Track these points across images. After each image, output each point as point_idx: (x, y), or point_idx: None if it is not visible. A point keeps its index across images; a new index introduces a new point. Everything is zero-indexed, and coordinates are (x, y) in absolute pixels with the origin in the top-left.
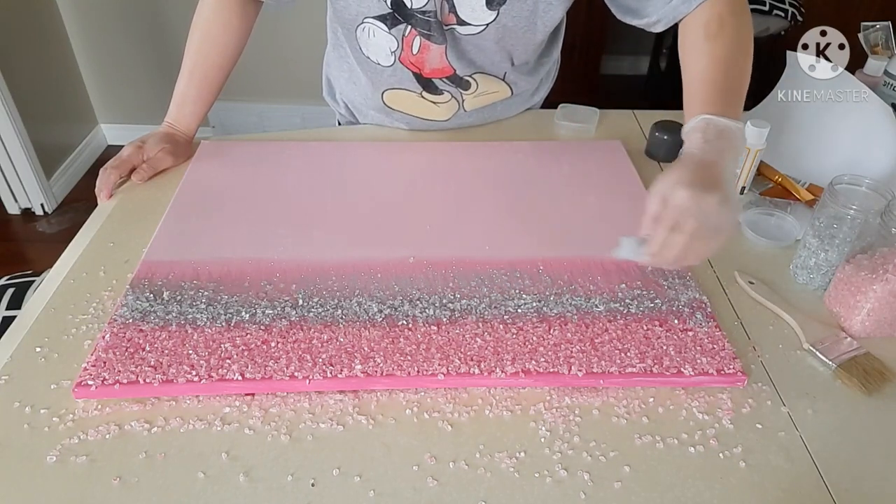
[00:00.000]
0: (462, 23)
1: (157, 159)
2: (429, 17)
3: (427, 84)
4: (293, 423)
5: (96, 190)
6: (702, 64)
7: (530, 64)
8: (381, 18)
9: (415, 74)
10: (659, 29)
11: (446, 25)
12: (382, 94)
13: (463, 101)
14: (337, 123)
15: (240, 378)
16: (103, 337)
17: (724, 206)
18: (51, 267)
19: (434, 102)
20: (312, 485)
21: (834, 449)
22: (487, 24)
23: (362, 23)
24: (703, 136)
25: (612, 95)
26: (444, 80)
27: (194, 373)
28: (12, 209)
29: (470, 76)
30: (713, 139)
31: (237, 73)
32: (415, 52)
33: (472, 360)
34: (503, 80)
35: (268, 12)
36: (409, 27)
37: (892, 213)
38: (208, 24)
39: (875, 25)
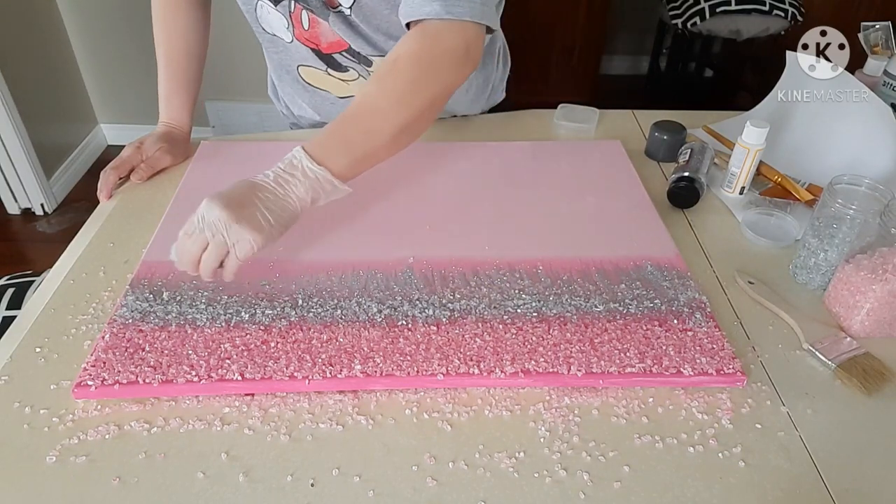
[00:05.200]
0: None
1: (155, 159)
2: None
3: (329, 61)
4: (293, 423)
5: (97, 192)
6: (355, 98)
7: None
8: None
9: (314, 51)
10: None
11: (333, 8)
12: (298, 69)
13: None
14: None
15: (239, 378)
16: (103, 337)
17: (232, 225)
18: (51, 267)
19: (343, 80)
20: (312, 485)
21: (833, 449)
22: (351, 6)
23: (259, 1)
24: (282, 163)
25: (612, 95)
26: (344, 54)
27: (194, 373)
28: (12, 209)
29: (370, 56)
30: (282, 168)
31: (237, 74)
32: (305, 27)
33: (471, 360)
34: None
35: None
36: (294, 3)
37: (892, 213)
38: (161, 14)
39: (875, 25)
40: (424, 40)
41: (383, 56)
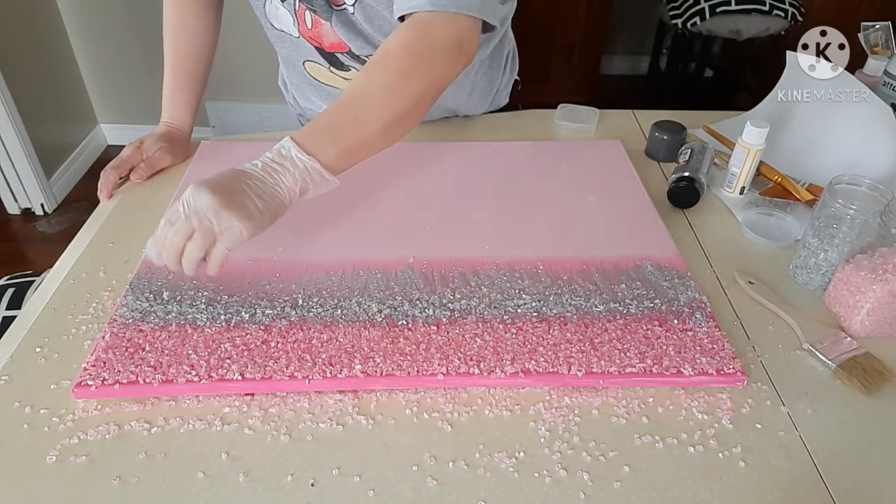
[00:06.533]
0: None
1: (155, 158)
2: None
3: (332, 59)
4: (293, 423)
5: (98, 192)
6: (346, 89)
7: None
8: None
9: (317, 49)
10: None
11: (337, 6)
12: (304, 63)
13: None
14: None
15: (239, 378)
16: (103, 337)
17: (221, 211)
18: (51, 267)
19: (345, 79)
20: (312, 485)
21: (833, 449)
22: (354, 4)
23: None
24: (270, 153)
25: (612, 95)
26: (346, 55)
27: (194, 373)
28: (12, 209)
29: (369, 56)
30: (270, 157)
31: (237, 74)
32: (309, 26)
33: (471, 360)
34: None
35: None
36: (298, 1)
37: (892, 213)
38: (170, 16)
39: (875, 25)
40: (415, 32)
41: None
